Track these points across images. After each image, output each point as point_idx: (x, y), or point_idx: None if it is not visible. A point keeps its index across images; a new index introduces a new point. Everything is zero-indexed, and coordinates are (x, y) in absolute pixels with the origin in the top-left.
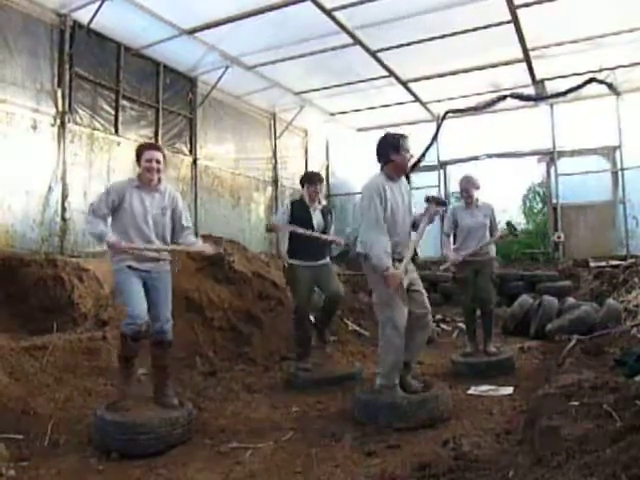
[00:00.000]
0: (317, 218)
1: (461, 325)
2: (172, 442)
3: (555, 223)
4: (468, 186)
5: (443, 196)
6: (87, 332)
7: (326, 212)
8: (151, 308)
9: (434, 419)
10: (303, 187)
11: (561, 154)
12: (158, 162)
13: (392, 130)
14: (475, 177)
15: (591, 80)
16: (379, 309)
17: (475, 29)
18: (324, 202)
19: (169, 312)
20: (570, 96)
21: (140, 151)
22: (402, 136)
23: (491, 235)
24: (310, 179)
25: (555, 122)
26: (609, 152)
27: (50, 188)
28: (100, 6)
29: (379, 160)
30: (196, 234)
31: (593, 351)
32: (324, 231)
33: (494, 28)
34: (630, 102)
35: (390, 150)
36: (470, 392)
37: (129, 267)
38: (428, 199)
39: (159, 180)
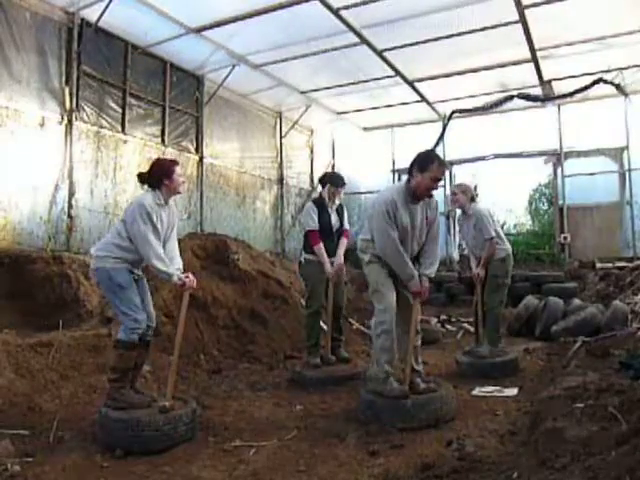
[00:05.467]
0: (334, 219)
1: (466, 326)
2: (176, 439)
3: (561, 224)
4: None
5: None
6: (92, 329)
7: (340, 210)
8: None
9: (438, 419)
10: (324, 186)
11: (568, 155)
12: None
13: (399, 129)
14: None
15: (599, 81)
16: (372, 297)
17: (482, 29)
18: (337, 202)
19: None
20: (577, 96)
21: (171, 167)
22: (438, 160)
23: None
24: (336, 182)
25: (562, 123)
26: (616, 153)
27: (57, 186)
28: (108, 4)
29: (408, 173)
30: (202, 231)
31: (599, 353)
32: (339, 229)
33: (501, 28)
34: (638, 103)
35: (415, 166)
36: (474, 393)
37: (130, 271)
38: None
39: None
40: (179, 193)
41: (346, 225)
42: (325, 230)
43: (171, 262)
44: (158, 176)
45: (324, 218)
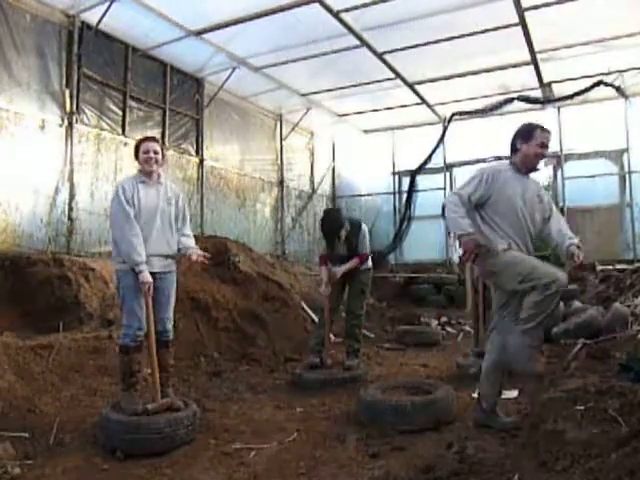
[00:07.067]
0: (340, 248)
1: (467, 328)
2: (177, 442)
3: None
4: None
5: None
6: (93, 331)
7: (351, 237)
8: (154, 308)
9: (439, 422)
10: None
11: (568, 157)
12: (156, 153)
13: (400, 131)
14: None
15: (599, 83)
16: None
17: (482, 31)
18: (347, 229)
19: (171, 312)
20: (577, 99)
21: (137, 146)
22: (540, 127)
23: None
24: (321, 227)
25: (562, 125)
26: (616, 155)
27: (57, 188)
28: (109, 7)
29: (510, 151)
30: (202, 234)
31: (599, 355)
32: (349, 255)
33: (502, 30)
34: (638, 105)
35: (518, 139)
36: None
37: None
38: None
39: (159, 174)
40: (148, 170)
41: (361, 249)
42: (333, 259)
43: (186, 249)
44: (135, 155)
45: (330, 247)
